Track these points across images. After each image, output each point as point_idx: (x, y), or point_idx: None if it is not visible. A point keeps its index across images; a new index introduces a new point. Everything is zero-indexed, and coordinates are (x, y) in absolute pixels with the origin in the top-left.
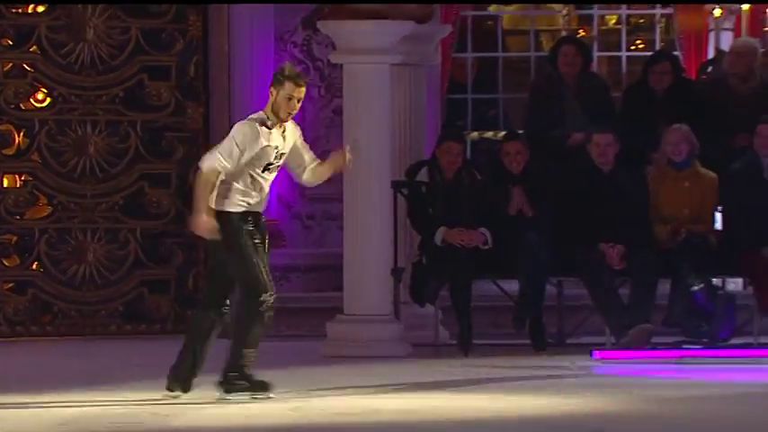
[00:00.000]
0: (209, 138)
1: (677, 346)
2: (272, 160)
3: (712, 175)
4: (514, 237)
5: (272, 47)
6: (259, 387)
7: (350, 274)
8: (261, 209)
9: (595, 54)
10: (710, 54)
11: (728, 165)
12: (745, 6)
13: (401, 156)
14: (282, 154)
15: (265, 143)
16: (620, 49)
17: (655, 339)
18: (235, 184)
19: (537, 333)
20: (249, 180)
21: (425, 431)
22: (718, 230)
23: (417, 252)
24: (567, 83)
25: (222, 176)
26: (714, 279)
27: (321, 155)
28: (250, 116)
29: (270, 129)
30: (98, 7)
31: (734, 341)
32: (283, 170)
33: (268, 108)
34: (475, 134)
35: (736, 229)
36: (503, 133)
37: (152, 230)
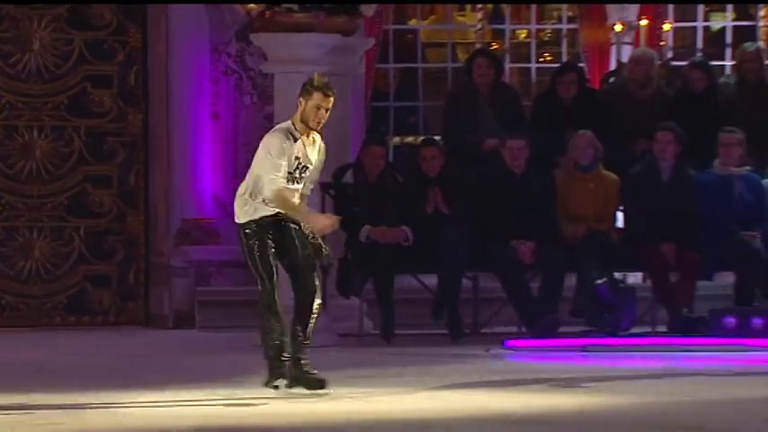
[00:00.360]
0: (147, 142)
1: (583, 334)
2: (291, 169)
3: (614, 177)
4: (434, 234)
5: (207, 57)
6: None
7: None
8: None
9: (507, 65)
10: (612, 66)
11: (629, 168)
12: (644, 22)
13: (328, 159)
14: (305, 167)
15: (289, 153)
16: (529, 61)
17: (562, 329)
18: (251, 200)
19: (454, 323)
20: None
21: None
22: (619, 228)
23: (344, 248)
24: (482, 92)
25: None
26: (616, 273)
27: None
28: (277, 127)
29: (295, 139)
30: (44, 20)
31: (634, 330)
32: (218, 170)
33: (297, 117)
34: (396, 139)
35: (635, 227)
36: (422, 138)
37: (95, 228)
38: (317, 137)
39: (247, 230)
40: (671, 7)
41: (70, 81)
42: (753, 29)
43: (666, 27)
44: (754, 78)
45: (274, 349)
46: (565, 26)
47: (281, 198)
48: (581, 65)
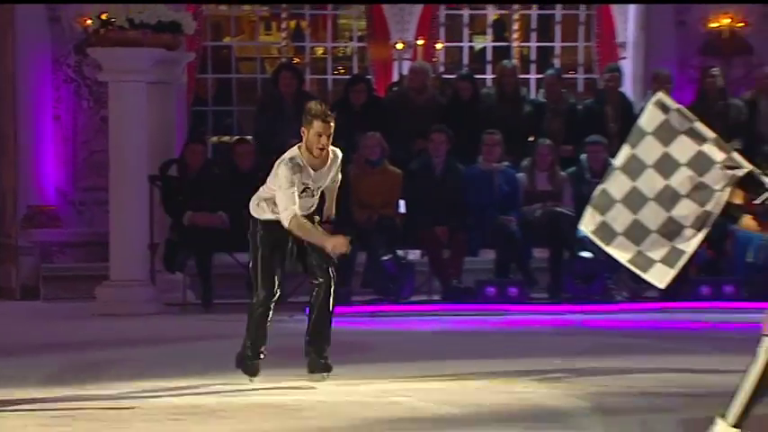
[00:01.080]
0: None
1: (372, 302)
2: (299, 191)
3: (398, 171)
4: (246, 219)
5: (49, 67)
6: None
7: (115, 248)
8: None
9: (308, 77)
10: (395, 77)
11: (409, 163)
12: (420, 41)
13: (155, 155)
14: (317, 187)
15: (298, 180)
16: (326, 74)
17: (354, 298)
18: (267, 203)
19: None
20: (274, 203)
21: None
22: (402, 214)
23: (169, 231)
24: (286, 100)
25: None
26: (399, 251)
27: (90, 155)
28: (286, 157)
29: (301, 167)
30: None
31: (414, 298)
32: (59, 165)
33: (303, 146)
34: (214, 138)
35: (415, 212)
36: (236, 138)
37: None
38: (334, 155)
39: (258, 231)
40: (442, 29)
41: None
42: (508, 49)
43: (439, 46)
44: (511, 90)
45: (246, 355)
46: (355, 44)
47: (296, 227)
48: (369, 77)
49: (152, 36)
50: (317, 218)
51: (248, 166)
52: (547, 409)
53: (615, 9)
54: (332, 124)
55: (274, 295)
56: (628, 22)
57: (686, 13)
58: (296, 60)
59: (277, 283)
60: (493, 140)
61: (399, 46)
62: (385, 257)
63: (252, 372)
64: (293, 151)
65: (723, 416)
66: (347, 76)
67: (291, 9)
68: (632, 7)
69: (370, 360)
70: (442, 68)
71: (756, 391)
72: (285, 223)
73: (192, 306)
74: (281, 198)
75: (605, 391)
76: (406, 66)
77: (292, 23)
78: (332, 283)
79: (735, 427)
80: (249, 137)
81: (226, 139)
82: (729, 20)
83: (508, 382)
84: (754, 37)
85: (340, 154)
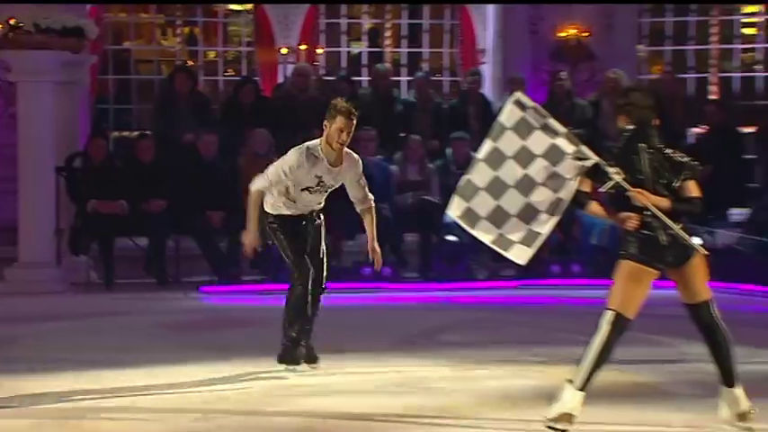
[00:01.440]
0: None
1: (260, 282)
2: (311, 185)
3: None
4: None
5: None
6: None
7: (24, 233)
8: (305, 212)
9: (201, 78)
10: (280, 79)
11: None
12: (303, 46)
13: (61, 148)
14: (330, 185)
15: (306, 171)
16: (217, 75)
17: (243, 278)
18: (277, 195)
19: (161, 274)
20: (285, 192)
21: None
22: None
23: (74, 217)
24: (182, 99)
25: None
26: None
27: (1, 149)
28: (304, 145)
29: (317, 158)
30: None
31: None
32: None
33: (323, 138)
34: (115, 133)
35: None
36: (136, 133)
37: None
38: (353, 158)
39: (272, 224)
40: (323, 36)
41: None
42: (381, 54)
43: (319, 51)
44: (384, 91)
45: (292, 340)
46: (244, 49)
47: (252, 195)
48: (256, 78)
49: (58, 40)
50: (320, 217)
51: (149, 158)
52: (415, 377)
53: (476, 19)
54: (354, 122)
55: (310, 272)
56: (487, 31)
57: (538, 23)
58: (190, 63)
59: (309, 262)
60: (368, 136)
61: (284, 50)
62: (270, 241)
63: (295, 360)
64: (314, 142)
65: (571, 381)
66: (237, 78)
67: (186, 16)
68: (491, 18)
69: (258, 335)
70: (322, 71)
71: (599, 358)
72: (253, 186)
73: (95, 285)
74: (271, 170)
75: (468, 360)
76: (290, 68)
77: (186, 29)
78: (323, 277)
79: (581, 390)
80: (149, 132)
81: (126, 133)
82: (576, 30)
83: (380, 353)
84: (596, 45)
85: (360, 159)
